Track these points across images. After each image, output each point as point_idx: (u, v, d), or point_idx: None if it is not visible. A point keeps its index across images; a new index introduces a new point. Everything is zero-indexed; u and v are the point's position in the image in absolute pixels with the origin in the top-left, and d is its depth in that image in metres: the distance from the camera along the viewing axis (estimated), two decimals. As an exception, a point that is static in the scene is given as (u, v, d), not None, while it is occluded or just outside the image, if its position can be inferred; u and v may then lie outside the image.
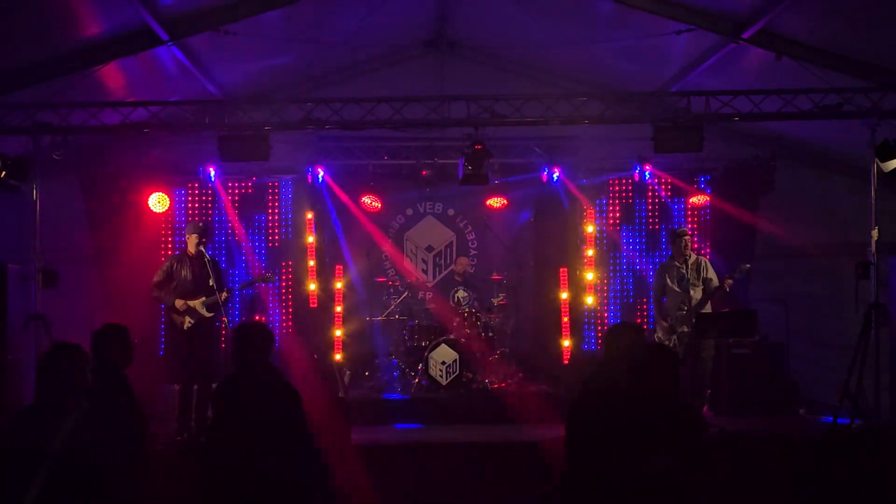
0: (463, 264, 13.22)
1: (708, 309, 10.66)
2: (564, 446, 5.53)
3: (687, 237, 10.89)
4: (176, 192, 13.00)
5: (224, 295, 10.07)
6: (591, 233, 13.32)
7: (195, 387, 10.00)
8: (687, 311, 10.53)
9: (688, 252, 10.80)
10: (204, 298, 9.99)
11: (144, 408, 6.27)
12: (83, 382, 5.03)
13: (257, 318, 12.50)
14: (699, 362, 10.42)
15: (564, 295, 13.16)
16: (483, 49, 12.94)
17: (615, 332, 6.08)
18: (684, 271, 10.71)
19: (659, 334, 10.73)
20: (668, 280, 10.78)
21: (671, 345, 10.42)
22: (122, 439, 5.11)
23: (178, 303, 9.94)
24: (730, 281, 10.45)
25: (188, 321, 9.96)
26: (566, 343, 12.88)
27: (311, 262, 13.08)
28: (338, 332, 12.97)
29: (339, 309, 13.14)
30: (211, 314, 10.07)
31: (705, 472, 5.17)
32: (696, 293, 10.61)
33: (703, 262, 10.82)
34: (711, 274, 10.74)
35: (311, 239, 13.10)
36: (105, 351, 6.11)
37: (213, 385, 10.03)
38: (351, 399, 11.48)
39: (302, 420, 5.78)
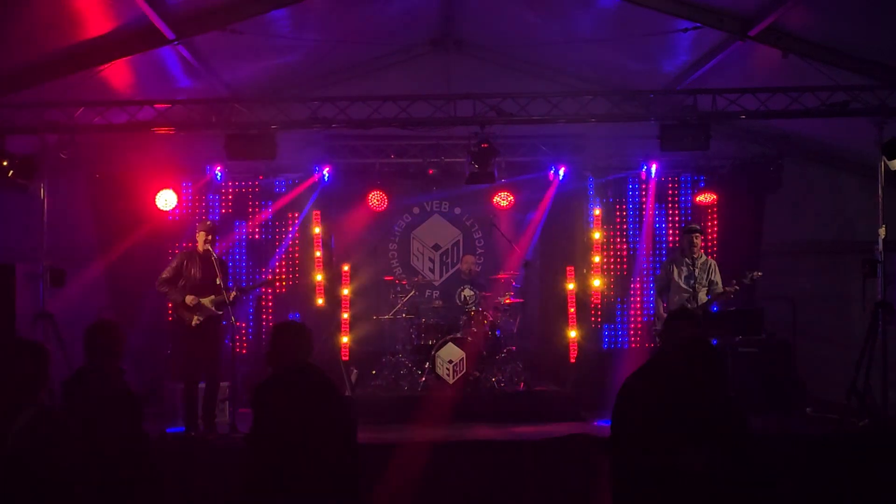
0: (469, 262, 13.21)
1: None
2: (610, 430, 5.53)
3: (697, 234, 10.88)
4: (183, 190, 13.03)
5: (233, 294, 10.08)
6: (598, 239, 13.34)
7: (201, 384, 10.03)
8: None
9: (697, 251, 10.80)
10: (213, 297, 10.00)
11: (140, 406, 6.19)
12: (38, 381, 4.99)
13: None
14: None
15: (571, 286, 13.17)
16: (489, 48, 12.92)
17: (674, 320, 5.99)
18: (693, 269, 10.71)
19: (658, 326, 10.76)
20: (676, 275, 10.78)
21: None
22: (90, 438, 5.04)
23: (189, 298, 9.94)
24: (736, 288, 10.47)
25: (196, 319, 9.97)
26: (572, 334, 12.88)
27: (318, 262, 13.12)
28: (345, 339, 12.97)
29: (345, 316, 13.13)
30: (220, 312, 10.10)
31: (749, 470, 5.15)
32: (702, 294, 10.61)
33: (712, 265, 10.82)
34: (717, 278, 10.76)
35: (317, 230, 13.15)
36: (92, 347, 6.08)
37: (221, 383, 10.20)
38: (358, 397, 11.49)
39: (342, 418, 5.76)
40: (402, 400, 11.40)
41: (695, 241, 10.84)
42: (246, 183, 13.28)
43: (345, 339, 12.91)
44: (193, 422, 9.93)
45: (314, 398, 5.68)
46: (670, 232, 13.45)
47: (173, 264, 10.20)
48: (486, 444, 9.23)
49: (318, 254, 13.21)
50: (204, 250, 10.11)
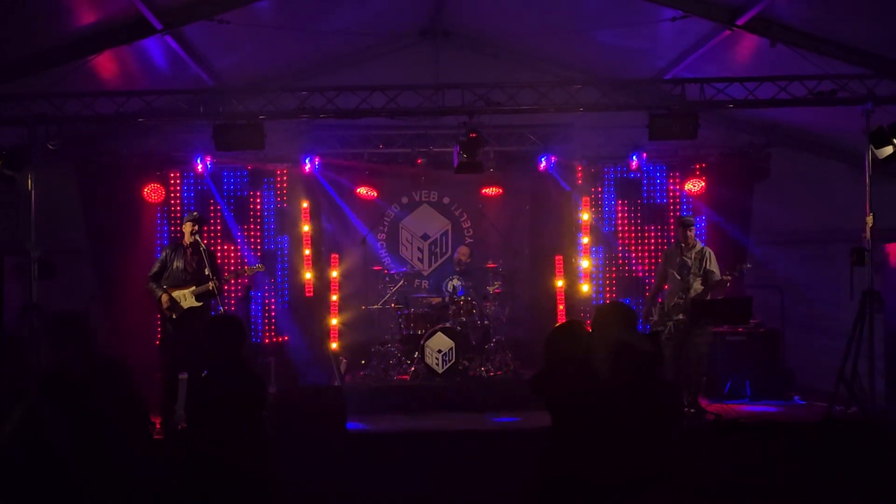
0: (465, 254, 13.17)
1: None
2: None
3: (691, 226, 10.87)
4: (171, 181, 13.01)
5: (211, 285, 10.05)
6: (587, 220, 13.34)
7: (182, 376, 9.99)
8: (684, 300, 10.51)
9: (691, 241, 10.79)
10: (194, 288, 9.99)
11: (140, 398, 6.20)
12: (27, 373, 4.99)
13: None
14: (694, 349, 10.42)
15: (560, 283, 13.22)
16: (478, 37, 12.91)
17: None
18: (686, 259, 10.70)
19: (654, 318, 10.75)
20: (670, 267, 10.78)
21: (666, 330, 10.44)
22: (88, 427, 5.05)
23: (164, 298, 9.94)
24: (729, 278, 10.47)
25: (174, 313, 9.98)
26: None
27: (307, 251, 13.12)
28: (334, 321, 12.99)
29: (334, 298, 13.17)
30: (200, 303, 10.05)
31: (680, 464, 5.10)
32: (697, 284, 10.58)
33: (706, 253, 10.76)
34: (714, 266, 10.67)
35: (306, 228, 13.15)
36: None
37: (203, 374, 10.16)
38: (347, 387, 11.50)
39: (257, 414, 5.87)
40: (391, 389, 11.42)
41: (688, 232, 10.82)
42: (234, 173, 13.24)
43: (334, 321, 12.93)
44: (170, 414, 9.89)
45: (242, 394, 5.77)
46: (658, 221, 13.44)
47: (160, 258, 10.23)
48: (474, 434, 9.26)
49: (307, 251, 13.18)
50: (191, 241, 10.11)
